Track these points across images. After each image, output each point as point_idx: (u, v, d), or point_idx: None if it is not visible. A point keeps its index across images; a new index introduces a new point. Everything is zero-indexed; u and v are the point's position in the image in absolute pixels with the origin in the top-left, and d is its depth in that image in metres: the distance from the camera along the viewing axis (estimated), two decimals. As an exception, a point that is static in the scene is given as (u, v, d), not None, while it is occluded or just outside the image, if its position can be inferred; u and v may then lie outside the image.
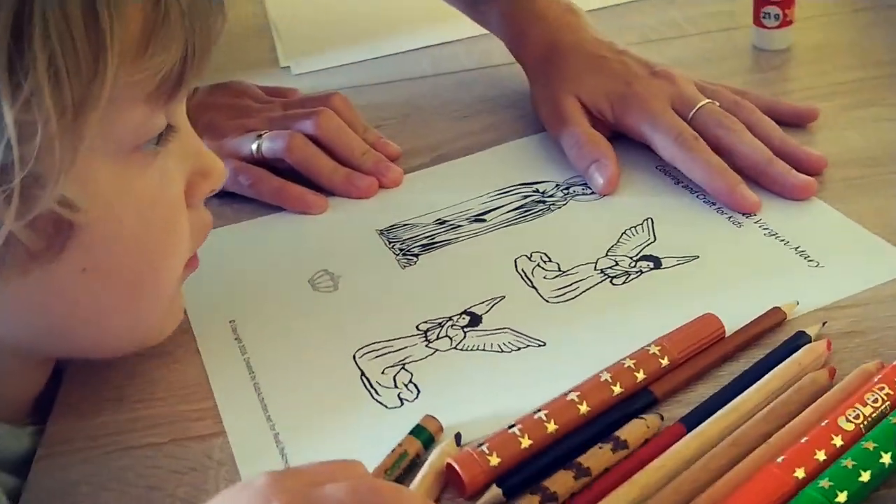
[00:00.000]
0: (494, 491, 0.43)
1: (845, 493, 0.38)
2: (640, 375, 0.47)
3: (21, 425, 0.50)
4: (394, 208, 0.63)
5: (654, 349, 0.48)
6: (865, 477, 0.39)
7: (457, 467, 0.43)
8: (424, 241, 0.60)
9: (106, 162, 0.41)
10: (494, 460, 0.43)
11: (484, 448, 0.43)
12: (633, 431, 0.44)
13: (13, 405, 0.50)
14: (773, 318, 0.50)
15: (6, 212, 0.37)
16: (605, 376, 0.46)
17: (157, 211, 0.45)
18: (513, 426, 0.44)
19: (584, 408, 0.45)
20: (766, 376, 0.46)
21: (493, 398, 0.48)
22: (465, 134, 0.71)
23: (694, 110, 0.63)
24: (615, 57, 0.67)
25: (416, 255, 0.59)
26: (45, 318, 0.45)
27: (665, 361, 0.47)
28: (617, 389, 0.46)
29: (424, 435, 0.45)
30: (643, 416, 0.45)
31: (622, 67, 0.66)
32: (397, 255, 0.59)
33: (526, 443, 0.44)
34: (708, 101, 0.63)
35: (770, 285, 0.53)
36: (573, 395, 0.45)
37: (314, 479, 0.36)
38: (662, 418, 0.45)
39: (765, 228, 0.57)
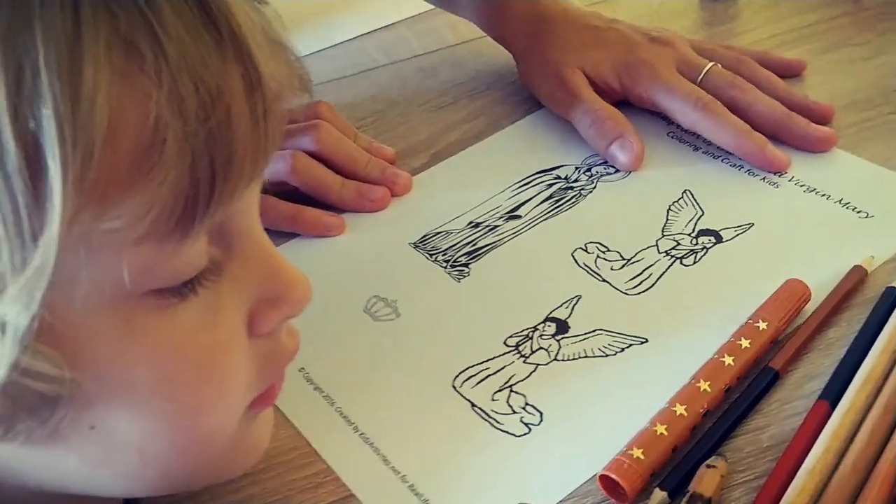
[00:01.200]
0: (660, 495, 0.42)
1: None
2: (754, 351, 0.47)
3: None
4: (416, 217, 0.60)
5: (762, 324, 0.48)
6: None
7: (615, 477, 0.42)
8: (468, 249, 0.57)
9: (90, 318, 0.32)
10: (646, 461, 0.42)
11: (633, 452, 0.42)
12: (709, 483, 0.41)
13: None
14: (857, 276, 0.51)
15: None
16: (727, 360, 0.46)
17: (190, 358, 0.35)
18: (651, 424, 0.43)
19: (713, 393, 0.45)
20: (882, 337, 0.47)
21: (619, 405, 0.46)
22: (452, 125, 0.68)
23: (702, 74, 0.62)
24: (607, 26, 0.66)
25: (466, 265, 0.56)
26: (68, 474, 0.36)
27: (771, 333, 0.48)
28: (737, 369, 0.46)
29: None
30: (709, 463, 0.42)
31: (619, 36, 0.65)
32: (445, 267, 0.56)
33: (670, 438, 0.43)
34: (713, 63, 0.63)
35: (832, 242, 0.54)
36: (702, 383, 0.45)
37: None
38: (727, 459, 0.43)
39: (801, 185, 0.58)
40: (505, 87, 0.71)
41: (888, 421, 0.43)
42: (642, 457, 0.42)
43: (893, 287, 0.49)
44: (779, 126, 0.60)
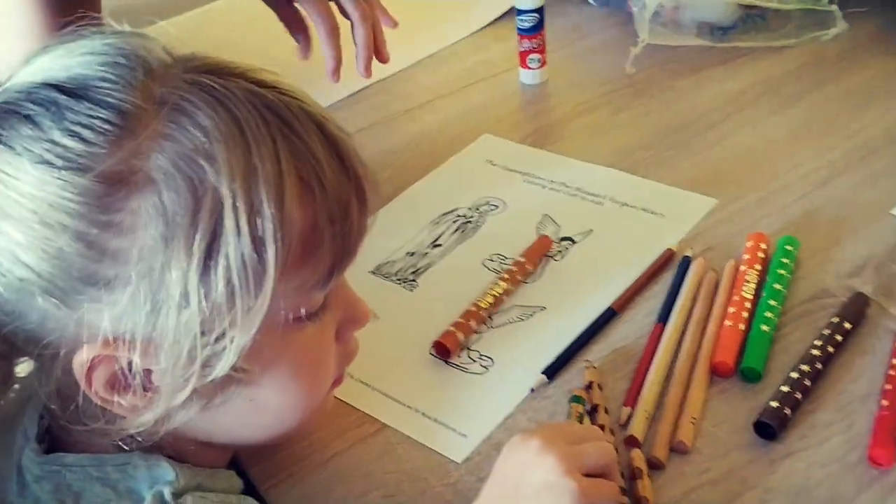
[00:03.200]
0: (541, 378, 0.70)
1: (770, 325, 0.70)
2: (519, 276, 0.80)
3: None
4: (366, 254, 0.84)
5: (521, 259, 0.80)
6: (776, 309, 0.71)
7: (444, 342, 0.73)
8: (411, 270, 0.83)
9: (270, 334, 0.52)
10: (459, 336, 0.74)
11: (452, 330, 0.74)
12: (591, 374, 0.70)
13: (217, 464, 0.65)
14: (667, 255, 0.80)
15: (189, 378, 0.50)
16: (504, 285, 0.78)
17: (310, 356, 0.58)
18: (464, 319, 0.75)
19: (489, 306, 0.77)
20: (685, 282, 0.76)
21: (538, 348, 0.73)
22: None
23: None
24: None
25: (414, 280, 0.81)
26: (223, 428, 0.57)
27: (531, 268, 0.80)
28: (510, 287, 0.78)
29: (582, 400, 0.67)
30: (587, 365, 0.71)
31: None
32: (399, 283, 0.81)
33: (472, 325, 0.75)
34: None
35: (642, 234, 0.83)
36: (484, 301, 0.77)
37: (567, 437, 0.58)
38: (590, 361, 0.72)
39: (616, 202, 0.88)
40: (395, 165, 0.98)
41: (701, 328, 0.72)
42: (459, 334, 0.73)
43: (687, 255, 0.79)
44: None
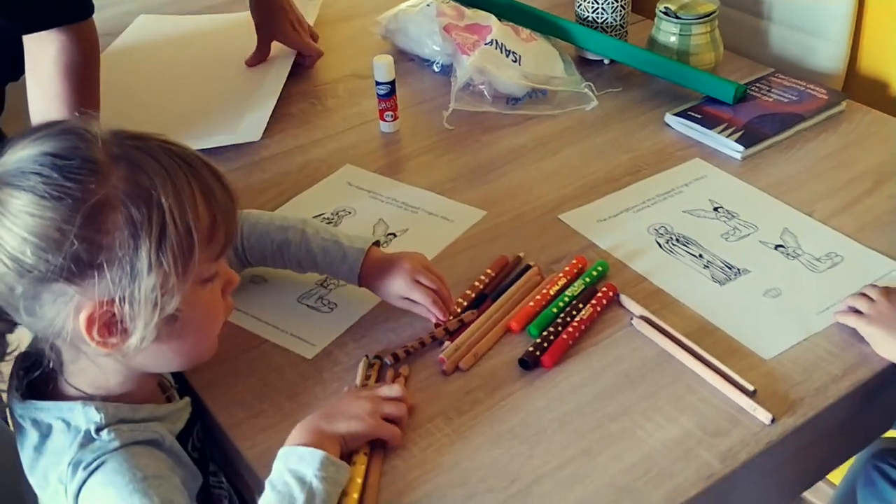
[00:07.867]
0: (406, 368, 1.18)
1: (556, 308, 1.21)
2: None
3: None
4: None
5: None
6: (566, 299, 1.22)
7: None
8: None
9: (194, 289, 0.85)
10: None
11: None
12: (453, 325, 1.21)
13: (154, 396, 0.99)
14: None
15: (153, 317, 0.82)
16: None
17: (212, 305, 0.90)
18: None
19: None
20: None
21: (363, 298, 1.22)
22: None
23: None
24: None
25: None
26: (158, 360, 0.91)
27: None
28: None
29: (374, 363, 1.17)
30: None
31: None
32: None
33: None
34: None
35: (438, 231, 1.32)
36: None
37: (380, 395, 1.02)
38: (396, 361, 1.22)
39: (424, 211, 1.37)
40: (289, 182, 1.46)
41: (518, 302, 1.22)
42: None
43: (528, 264, 1.29)
44: None
